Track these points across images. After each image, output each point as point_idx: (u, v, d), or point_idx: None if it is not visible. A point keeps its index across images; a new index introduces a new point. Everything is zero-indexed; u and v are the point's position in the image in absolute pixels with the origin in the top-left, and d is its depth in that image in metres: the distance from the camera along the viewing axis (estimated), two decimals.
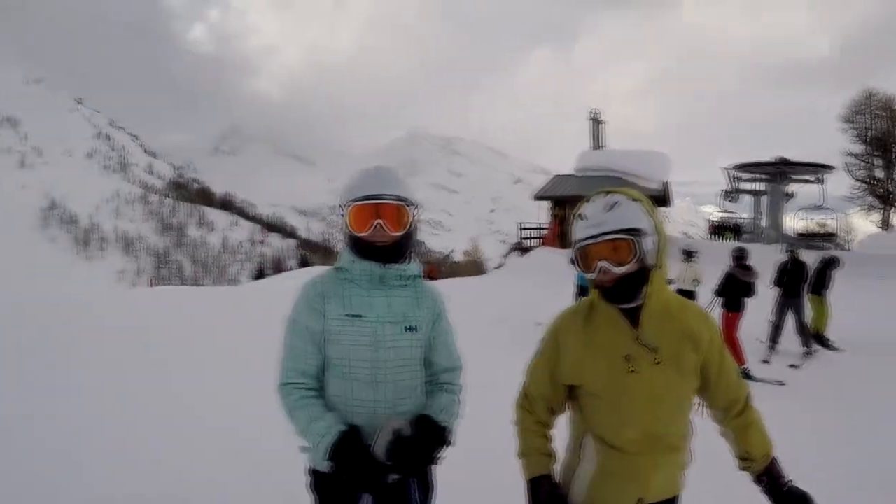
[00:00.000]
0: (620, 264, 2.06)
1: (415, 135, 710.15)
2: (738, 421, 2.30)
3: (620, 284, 2.10)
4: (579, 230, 2.14)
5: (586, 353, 2.20)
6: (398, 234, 2.43)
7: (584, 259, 2.14)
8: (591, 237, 2.08)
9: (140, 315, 13.09)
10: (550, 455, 2.34)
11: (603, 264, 2.07)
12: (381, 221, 2.39)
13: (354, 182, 2.49)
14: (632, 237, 2.06)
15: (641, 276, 2.10)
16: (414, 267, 2.56)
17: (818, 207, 34.07)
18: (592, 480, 2.24)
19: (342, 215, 2.48)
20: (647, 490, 2.21)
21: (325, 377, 2.47)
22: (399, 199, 2.42)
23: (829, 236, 34.36)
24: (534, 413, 2.37)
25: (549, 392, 2.34)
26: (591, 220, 2.10)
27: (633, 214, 2.09)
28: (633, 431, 2.16)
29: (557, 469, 2.35)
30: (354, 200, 2.42)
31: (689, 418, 2.29)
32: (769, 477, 2.24)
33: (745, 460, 2.30)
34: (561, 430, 2.42)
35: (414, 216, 2.49)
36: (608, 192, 2.15)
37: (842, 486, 5.18)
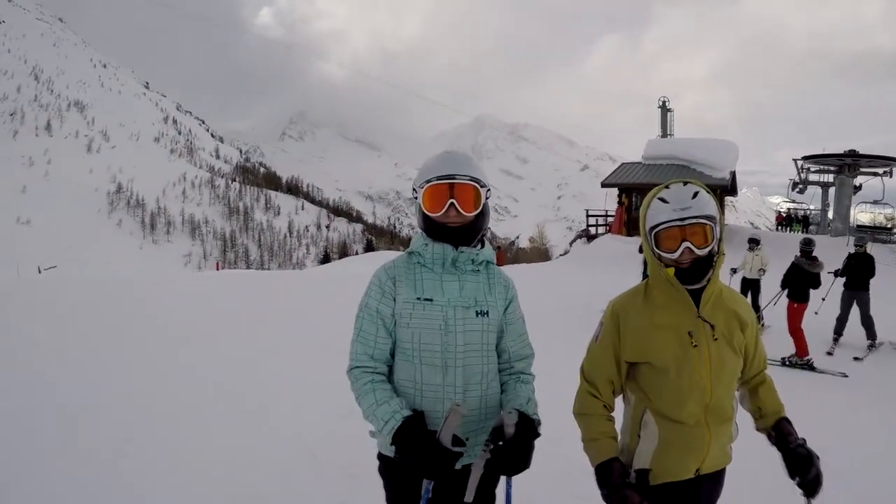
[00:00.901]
0: (701, 247, 2.28)
1: (481, 120, 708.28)
2: (753, 381, 2.58)
3: (695, 265, 2.31)
4: (662, 213, 2.31)
5: (652, 330, 2.37)
6: (471, 214, 2.45)
7: (665, 240, 2.32)
8: (679, 220, 2.27)
9: (206, 298, 13.33)
10: (616, 439, 2.45)
11: (687, 245, 2.27)
12: (454, 201, 2.41)
13: (429, 164, 2.52)
14: (711, 223, 2.29)
15: (710, 260, 2.33)
16: (487, 251, 2.58)
17: (876, 202, 33.44)
18: (655, 455, 2.38)
19: (416, 198, 2.51)
20: (704, 461, 2.39)
21: (395, 361, 2.50)
22: (473, 179, 2.45)
23: (886, 230, 33.41)
24: (600, 397, 2.47)
25: (613, 372, 2.46)
26: (677, 204, 2.29)
27: (711, 203, 2.32)
28: (695, 404, 2.34)
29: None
30: (428, 181, 2.44)
31: (735, 392, 2.51)
32: (778, 432, 2.46)
33: (757, 416, 2.57)
34: None
35: (487, 198, 2.52)
36: (686, 183, 2.37)
37: None
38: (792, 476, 2.38)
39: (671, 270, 2.32)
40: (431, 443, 2.22)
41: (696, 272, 2.32)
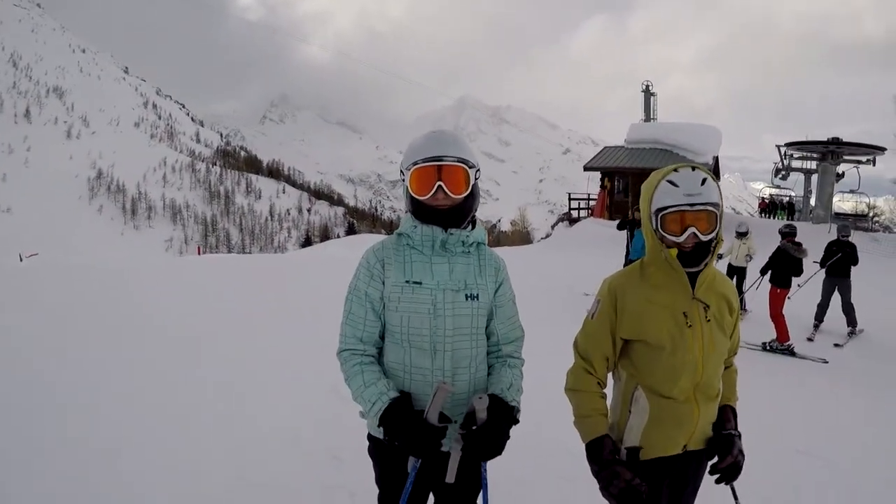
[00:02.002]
0: (705, 233, 2.34)
1: (463, 102, 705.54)
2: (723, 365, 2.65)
3: (696, 249, 2.37)
4: (671, 196, 2.35)
5: (649, 309, 2.42)
6: (460, 196, 2.41)
7: (672, 223, 2.36)
8: (689, 205, 2.32)
9: (187, 283, 13.09)
10: (607, 416, 2.51)
11: (693, 230, 2.32)
12: (442, 183, 2.36)
13: (415, 145, 2.46)
14: (716, 210, 2.36)
15: (709, 245, 2.40)
16: (478, 232, 2.55)
17: (853, 192, 34.15)
18: (645, 430, 2.44)
19: (403, 180, 2.46)
20: (692, 436, 2.47)
21: (384, 344, 2.49)
22: (461, 160, 2.39)
23: (861, 217, 33.91)
24: (595, 373, 2.52)
25: (609, 348, 2.51)
26: (687, 189, 2.33)
27: (717, 190, 2.37)
28: (687, 381, 2.41)
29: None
30: (415, 163, 2.39)
31: (721, 371, 2.59)
32: (718, 417, 2.58)
33: None
34: None
35: (476, 179, 2.47)
36: (694, 168, 2.40)
37: (881, 459, 5.60)
38: (710, 456, 2.55)
39: (674, 251, 2.37)
40: (418, 421, 2.23)
41: (696, 256, 2.38)
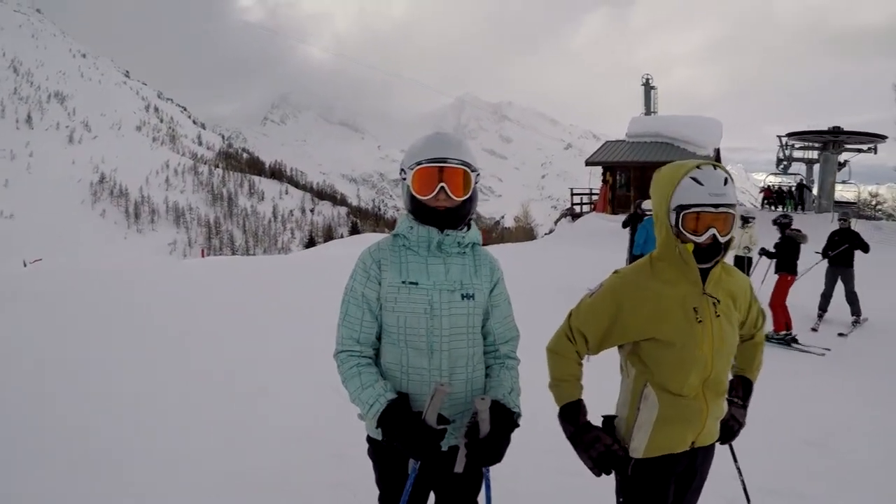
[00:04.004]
0: (724, 234, 2.34)
1: (464, 100, 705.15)
2: (745, 337, 2.71)
3: (713, 247, 2.36)
4: (696, 195, 2.31)
5: (661, 306, 2.39)
6: (461, 198, 2.44)
7: (694, 222, 2.33)
8: (713, 206, 2.29)
9: (191, 286, 13.07)
10: (581, 381, 2.56)
11: (714, 231, 2.31)
12: (444, 185, 2.39)
13: (418, 146, 2.48)
14: (734, 212, 2.35)
15: (723, 243, 2.38)
16: (473, 234, 2.56)
17: (845, 182, 33.78)
18: (654, 427, 2.42)
19: (404, 179, 2.49)
20: (700, 433, 2.46)
21: (381, 344, 2.50)
22: (463, 163, 2.42)
23: (849, 204, 32.84)
24: (575, 344, 2.53)
25: (593, 336, 2.50)
26: (712, 189, 2.30)
27: (735, 190, 2.38)
28: (697, 377, 2.39)
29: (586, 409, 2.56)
30: (419, 163, 2.41)
31: (730, 367, 2.59)
32: (731, 384, 2.66)
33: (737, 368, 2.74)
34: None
35: (476, 182, 2.50)
36: (715, 166, 2.36)
37: (888, 446, 5.60)
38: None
39: (690, 246, 2.34)
40: (417, 423, 2.24)
41: (710, 253, 2.37)
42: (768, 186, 37.53)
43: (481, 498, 2.61)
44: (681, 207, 2.34)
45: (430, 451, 2.25)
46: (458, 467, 2.32)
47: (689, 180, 2.33)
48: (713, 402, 2.46)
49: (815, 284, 11.40)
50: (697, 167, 2.35)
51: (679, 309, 2.38)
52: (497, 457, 2.34)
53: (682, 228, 2.35)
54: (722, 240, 2.34)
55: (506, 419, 2.39)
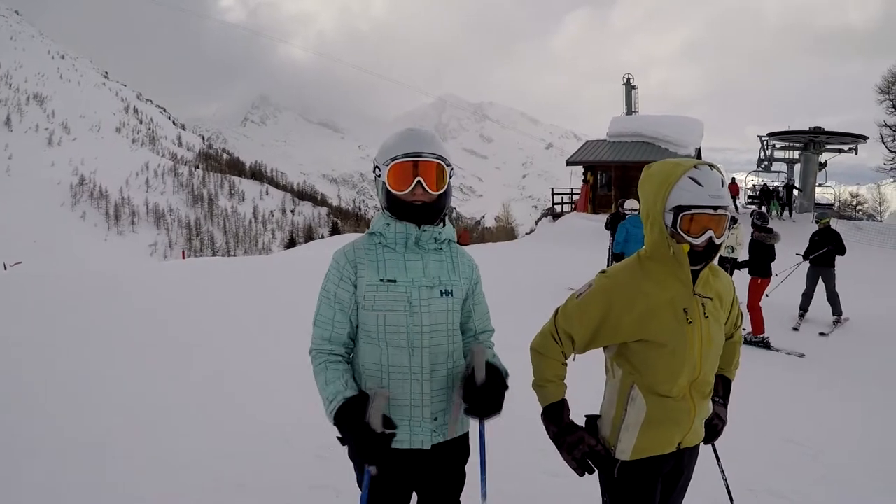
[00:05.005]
0: (720, 237, 2.31)
1: (445, 100, 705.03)
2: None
3: (707, 250, 2.32)
4: (695, 196, 2.26)
5: (651, 307, 2.34)
6: (437, 193, 2.43)
7: (691, 223, 2.29)
8: (712, 208, 2.26)
9: (172, 288, 12.77)
10: (564, 380, 2.53)
11: (711, 233, 2.28)
12: (420, 179, 2.39)
13: (391, 142, 2.48)
14: (729, 214, 2.33)
15: (717, 246, 2.34)
16: (448, 230, 2.57)
17: (820, 185, 34.18)
18: (642, 429, 2.39)
19: (378, 175, 2.49)
20: (686, 434, 2.45)
21: (360, 344, 2.49)
22: (438, 157, 2.42)
23: (828, 206, 33.30)
24: (561, 345, 2.49)
25: (580, 336, 2.45)
26: (710, 190, 2.26)
27: (729, 192, 2.27)
28: (686, 379, 2.37)
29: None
30: (394, 159, 2.41)
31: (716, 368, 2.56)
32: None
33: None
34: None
35: (451, 177, 2.51)
36: (711, 166, 2.33)
37: (862, 444, 5.70)
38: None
39: (686, 247, 2.30)
40: (361, 427, 2.20)
41: (704, 255, 2.34)
42: (764, 184, 33.26)
43: (476, 473, 2.62)
44: (679, 208, 2.29)
45: (378, 456, 2.21)
46: (479, 375, 2.35)
47: (689, 180, 2.29)
48: (700, 403, 2.45)
49: (797, 284, 11.48)
50: (695, 167, 2.31)
51: (670, 310, 2.35)
52: (496, 406, 2.37)
53: (678, 229, 2.30)
54: (718, 242, 2.31)
55: (497, 374, 2.44)
